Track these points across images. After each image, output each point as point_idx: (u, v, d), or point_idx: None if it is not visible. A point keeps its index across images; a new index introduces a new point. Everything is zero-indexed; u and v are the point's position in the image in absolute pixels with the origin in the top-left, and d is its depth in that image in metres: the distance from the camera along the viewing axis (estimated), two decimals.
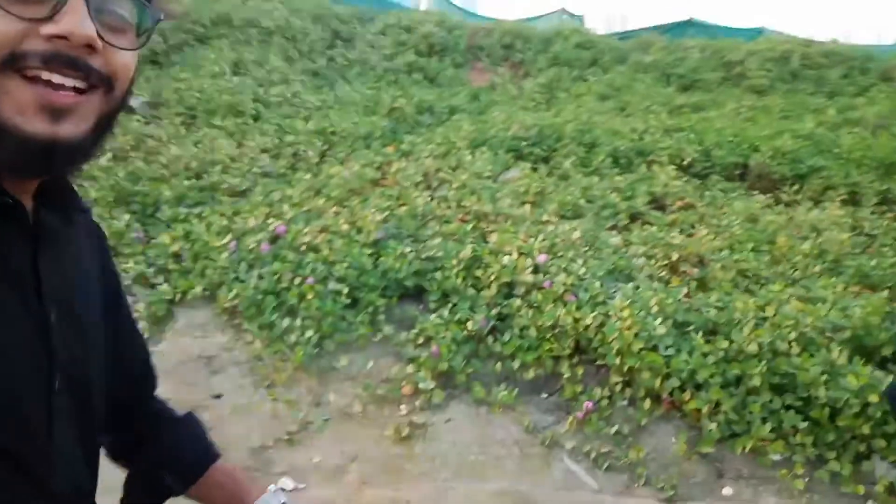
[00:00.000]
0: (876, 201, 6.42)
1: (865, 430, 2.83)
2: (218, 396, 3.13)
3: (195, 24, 11.66)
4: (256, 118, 8.40)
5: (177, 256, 4.27)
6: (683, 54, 12.55)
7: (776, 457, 2.84)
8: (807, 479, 2.74)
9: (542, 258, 3.94)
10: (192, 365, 3.33)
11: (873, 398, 2.79)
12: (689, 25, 15.13)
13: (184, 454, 0.97)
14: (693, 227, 5.25)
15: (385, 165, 6.74)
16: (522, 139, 7.65)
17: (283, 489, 0.96)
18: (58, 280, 0.71)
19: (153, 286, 4.02)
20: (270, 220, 4.58)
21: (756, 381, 2.98)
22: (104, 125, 0.66)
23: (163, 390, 2.75)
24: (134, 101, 8.66)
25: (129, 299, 3.28)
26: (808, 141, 7.75)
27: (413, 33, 12.51)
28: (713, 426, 2.89)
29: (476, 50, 12.68)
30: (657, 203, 5.97)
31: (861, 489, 2.73)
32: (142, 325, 3.60)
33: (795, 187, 6.74)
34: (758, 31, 15.28)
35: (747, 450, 2.84)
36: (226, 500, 0.97)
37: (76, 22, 0.59)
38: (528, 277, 3.77)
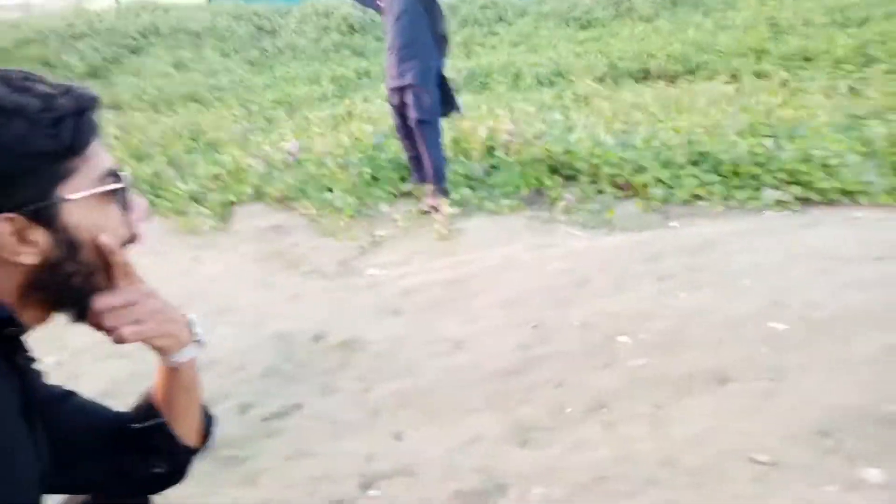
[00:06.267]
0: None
1: None
2: (295, 244, 4.11)
3: (124, 38, 12.16)
4: (216, 100, 9.15)
5: (214, 178, 5.18)
6: (576, 0, 13.91)
7: (702, 203, 4.09)
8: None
9: (510, 126, 5.10)
10: (265, 232, 4.30)
11: None
12: None
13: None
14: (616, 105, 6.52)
15: (350, 110, 7.66)
16: (457, 78, 8.75)
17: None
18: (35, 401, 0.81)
19: (202, 202, 4.93)
20: (281, 144, 5.57)
21: (680, 160, 4.25)
22: None
23: (250, 249, 3.87)
24: None
25: (190, 213, 4.21)
26: (693, 45, 9.21)
27: (332, 17, 13.36)
28: (657, 191, 4.12)
29: None
30: (584, 100, 7.22)
31: None
32: (211, 223, 4.53)
33: (690, 77, 8.13)
34: None
35: (681, 201, 4.09)
36: (163, 388, 0.96)
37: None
38: (505, 138, 4.93)
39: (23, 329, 0.76)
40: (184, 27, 12.46)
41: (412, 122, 4.36)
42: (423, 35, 4.31)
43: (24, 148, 0.70)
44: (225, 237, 4.33)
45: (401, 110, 4.50)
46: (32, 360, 0.84)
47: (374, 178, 4.80)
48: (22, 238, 0.72)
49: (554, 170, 4.55)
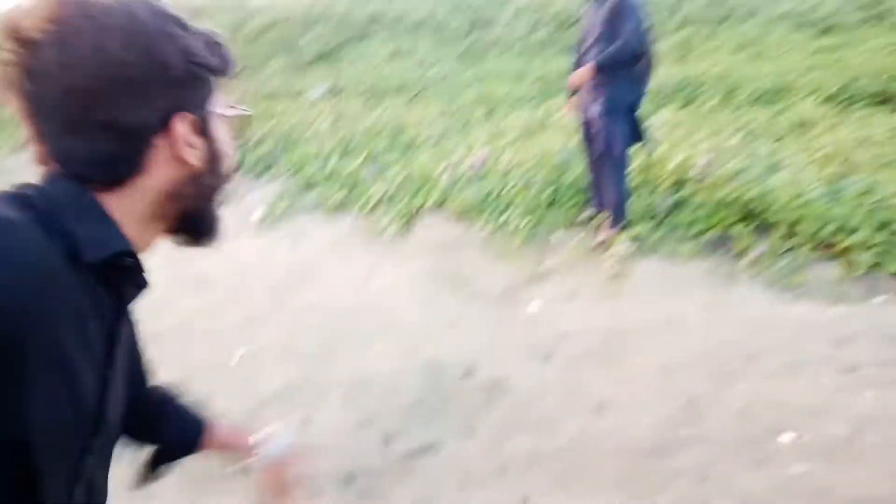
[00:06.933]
0: None
1: None
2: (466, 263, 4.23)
3: (353, 24, 13.10)
4: (422, 93, 9.59)
5: (403, 183, 5.48)
6: (818, 0, 12.49)
7: None
8: None
9: (706, 159, 4.77)
10: (441, 246, 4.48)
11: None
12: None
13: (183, 433, 1.07)
14: (838, 139, 5.80)
15: (545, 118, 7.66)
16: (666, 87, 8.32)
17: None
18: (123, 344, 0.78)
19: (392, 204, 5.24)
20: (471, 154, 5.72)
21: None
22: None
23: (425, 262, 4.00)
24: (318, 90, 10.25)
25: (378, 214, 4.50)
26: None
27: (545, 12, 13.29)
28: (866, 256, 3.64)
29: None
30: (802, 128, 6.50)
31: None
32: (394, 229, 4.80)
33: None
34: None
35: (893, 274, 3.57)
36: (229, 449, 1.08)
37: None
38: (697, 172, 4.63)
39: (140, 264, 0.76)
40: (405, 16, 13.12)
41: (596, 152, 4.26)
42: (619, 63, 4.15)
43: (196, 57, 0.75)
44: (404, 246, 4.58)
45: (589, 132, 4.41)
46: (142, 291, 0.80)
47: (554, 201, 4.77)
48: (189, 139, 0.76)
49: (746, 215, 4.20)
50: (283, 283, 4.00)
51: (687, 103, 7.83)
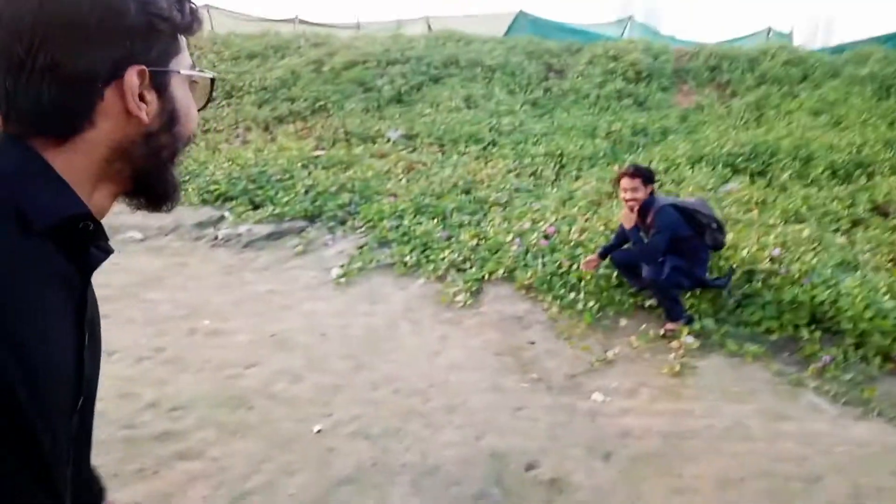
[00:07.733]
0: None
1: None
2: (532, 343, 4.39)
3: (429, 67, 13.46)
4: (494, 144, 9.80)
5: (474, 249, 5.69)
6: None
7: None
8: None
9: (776, 251, 4.80)
10: (508, 321, 4.65)
11: None
12: None
13: None
14: None
15: (613, 181, 7.77)
16: (738, 155, 8.29)
17: None
18: (92, 303, 0.77)
19: (462, 270, 5.46)
20: (540, 223, 5.88)
21: None
22: None
23: (492, 338, 4.22)
24: (393, 134, 10.58)
25: (448, 280, 4.70)
26: None
27: (620, 61, 13.37)
28: None
29: (682, 73, 13.30)
30: (880, 210, 6.42)
31: None
32: (463, 298, 5.00)
33: None
34: None
35: None
36: None
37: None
38: (766, 266, 4.67)
39: (98, 227, 0.74)
40: (480, 61, 13.41)
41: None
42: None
43: (155, 9, 0.73)
44: (472, 317, 4.76)
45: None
46: (108, 256, 0.79)
47: (621, 283, 4.89)
48: (141, 95, 0.74)
49: (815, 319, 4.23)
50: (358, 351, 4.23)
51: (759, 175, 7.79)
